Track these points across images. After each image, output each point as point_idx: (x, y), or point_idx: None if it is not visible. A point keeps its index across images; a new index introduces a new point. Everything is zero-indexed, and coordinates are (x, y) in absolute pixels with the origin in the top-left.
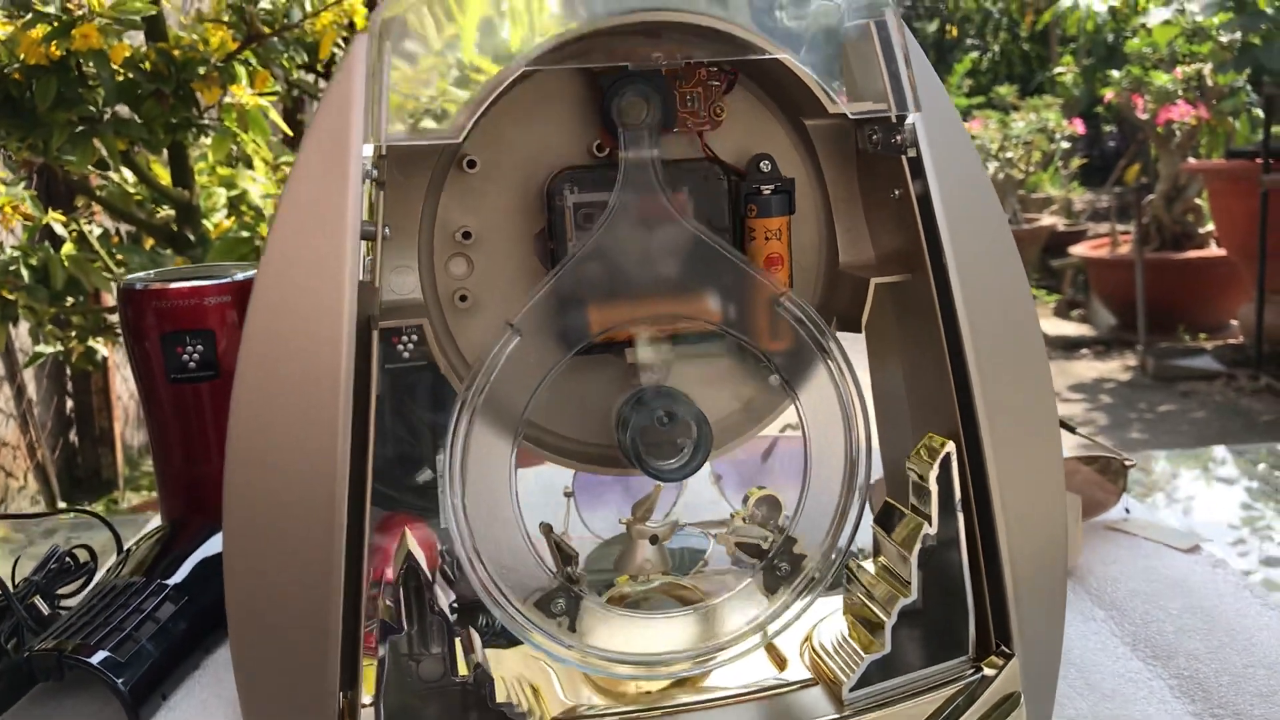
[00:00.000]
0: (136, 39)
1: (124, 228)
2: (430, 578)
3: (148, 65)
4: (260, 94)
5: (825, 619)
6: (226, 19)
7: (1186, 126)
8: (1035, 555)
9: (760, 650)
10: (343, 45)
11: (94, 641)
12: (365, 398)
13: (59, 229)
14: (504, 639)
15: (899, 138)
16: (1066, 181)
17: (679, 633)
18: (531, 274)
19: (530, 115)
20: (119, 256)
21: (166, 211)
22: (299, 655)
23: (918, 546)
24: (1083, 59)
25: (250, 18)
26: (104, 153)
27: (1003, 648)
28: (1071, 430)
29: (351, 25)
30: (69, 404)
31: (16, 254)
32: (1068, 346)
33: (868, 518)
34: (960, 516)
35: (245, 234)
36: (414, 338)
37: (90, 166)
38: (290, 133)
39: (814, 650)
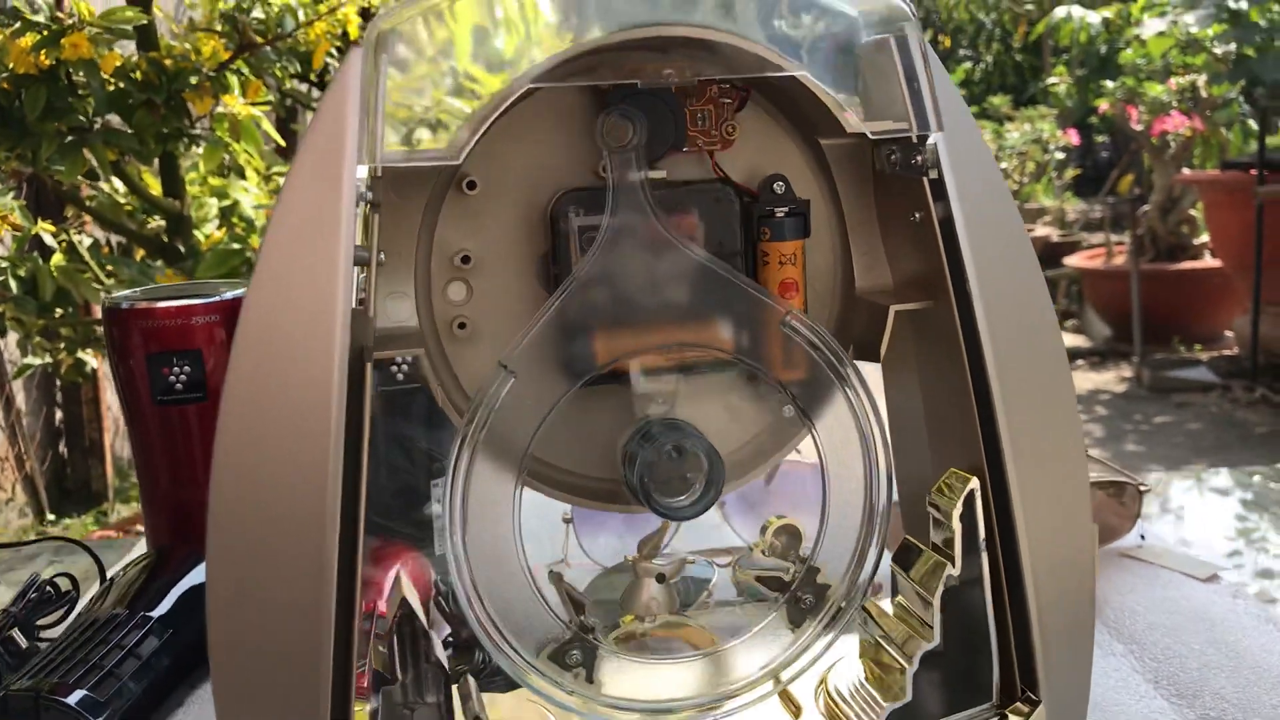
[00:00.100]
0: (128, 49)
1: (115, 239)
2: (426, 624)
3: (139, 75)
4: (253, 104)
5: (839, 661)
6: (219, 28)
7: (1181, 138)
8: (1062, 596)
9: (774, 697)
10: (336, 55)
11: (72, 680)
12: (357, 431)
13: (49, 239)
14: (501, 677)
15: (920, 158)
16: (1060, 192)
17: (691, 677)
18: (534, 300)
19: (533, 134)
20: (109, 268)
21: (157, 222)
22: (287, 695)
23: (940, 589)
24: (1076, 70)
25: (242, 27)
26: (94, 163)
27: (1028, 694)
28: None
29: (345, 35)
30: (58, 415)
31: (5, 265)
32: None
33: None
34: (984, 556)
35: (237, 246)
36: (407, 363)
37: (80, 177)
38: (283, 143)
39: (829, 696)
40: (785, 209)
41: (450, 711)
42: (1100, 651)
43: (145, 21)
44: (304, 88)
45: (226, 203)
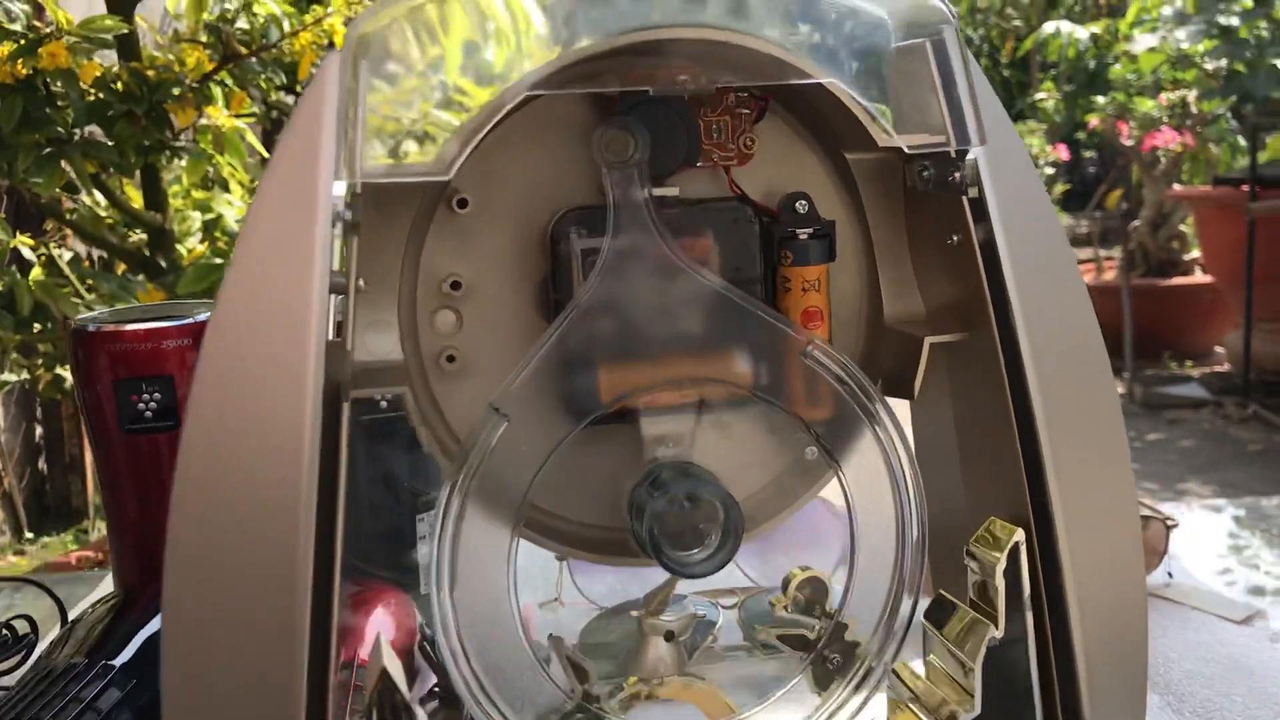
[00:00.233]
0: (111, 59)
1: (97, 253)
2: (407, 696)
3: (119, 85)
4: (237, 115)
5: None
6: (203, 39)
7: (1171, 153)
8: (1114, 657)
9: None
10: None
11: None
12: (333, 476)
13: (27, 253)
14: None
15: (958, 175)
16: None
17: None
18: (531, 330)
19: (531, 147)
20: (89, 282)
21: (139, 236)
22: None
23: (982, 653)
24: (1064, 85)
25: (226, 38)
26: (73, 175)
27: None
28: None
29: (331, 45)
30: (38, 431)
31: None
32: None
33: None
34: (1029, 614)
35: (219, 260)
36: (388, 400)
37: (59, 190)
38: (267, 155)
39: None
40: (809, 230)
41: None
42: None
43: (126, 31)
44: (289, 99)
45: (210, 216)
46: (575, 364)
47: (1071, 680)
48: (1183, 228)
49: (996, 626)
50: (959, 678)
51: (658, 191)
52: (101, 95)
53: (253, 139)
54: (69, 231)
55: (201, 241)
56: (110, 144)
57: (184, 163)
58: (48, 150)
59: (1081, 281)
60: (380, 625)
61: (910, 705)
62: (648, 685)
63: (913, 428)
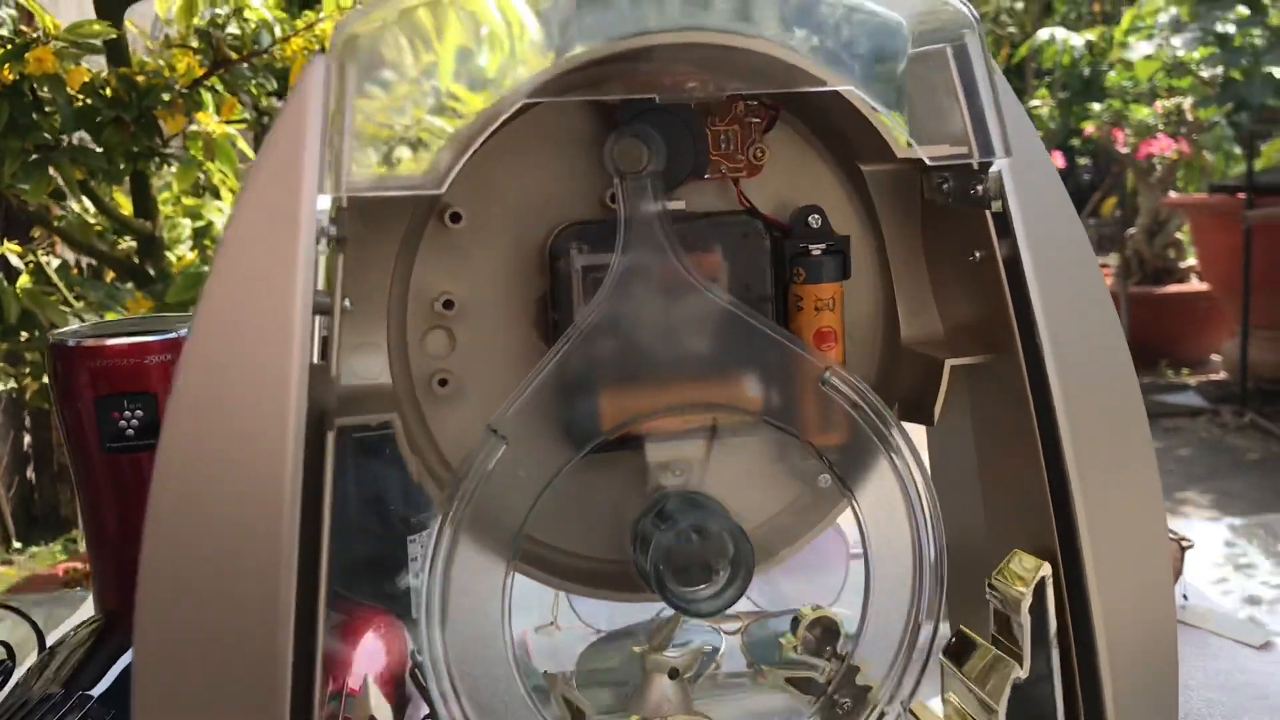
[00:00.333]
0: (101, 65)
1: (86, 260)
2: None
3: (108, 91)
4: (228, 122)
5: None
6: (194, 44)
7: (1167, 161)
8: (1145, 698)
9: None
10: None
11: None
12: (316, 508)
13: (15, 260)
14: None
15: (980, 188)
16: None
17: None
18: (528, 352)
19: (529, 158)
20: (77, 290)
21: (128, 243)
22: None
23: (1006, 693)
24: (1058, 93)
25: (217, 43)
26: (61, 182)
27: None
28: None
29: (323, 50)
30: (26, 439)
31: None
32: None
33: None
34: (1055, 651)
35: (209, 268)
36: (373, 430)
37: (47, 196)
38: None
39: None
40: (822, 246)
41: None
42: None
43: (114, 36)
44: (281, 105)
45: (200, 223)
46: (579, 387)
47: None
48: (1179, 235)
49: (1021, 665)
50: (980, 718)
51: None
52: (90, 101)
53: (244, 145)
54: (57, 238)
55: (192, 249)
56: (98, 150)
57: (174, 169)
58: (35, 157)
59: (1110, 301)
60: (369, 652)
61: None
62: None
63: (929, 453)
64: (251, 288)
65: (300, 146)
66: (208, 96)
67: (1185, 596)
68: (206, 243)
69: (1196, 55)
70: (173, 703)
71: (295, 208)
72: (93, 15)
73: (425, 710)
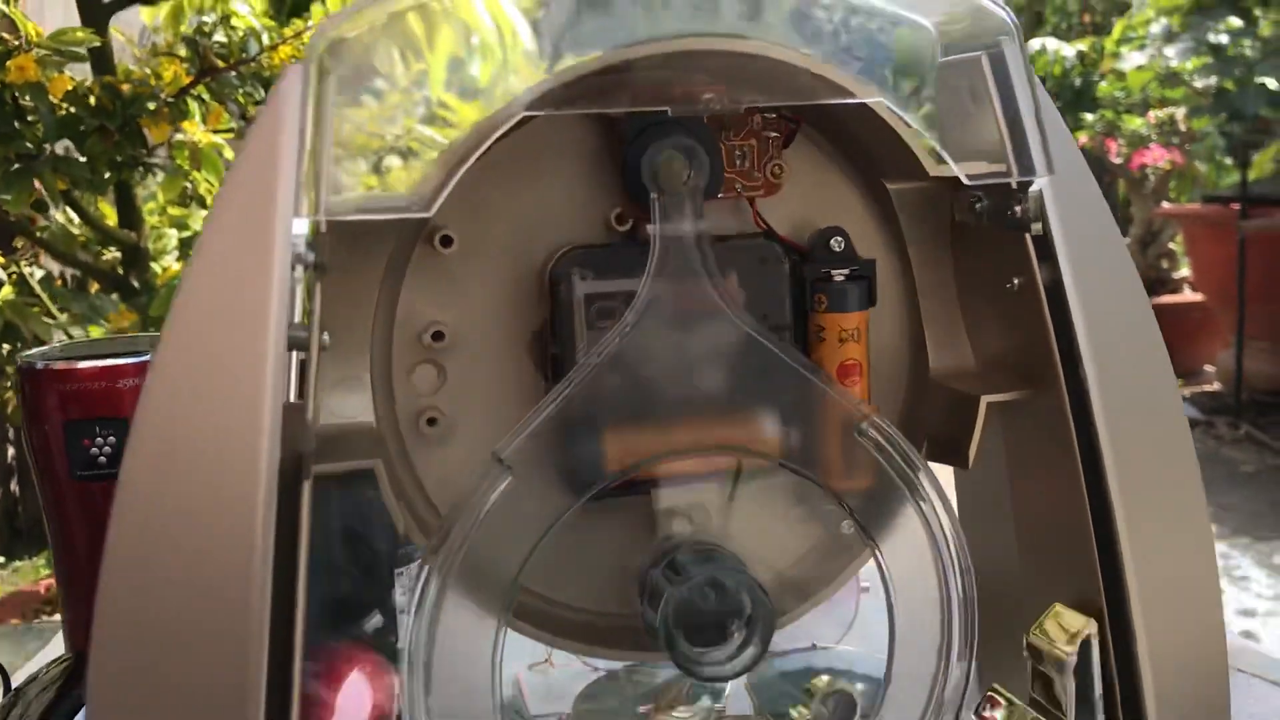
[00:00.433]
0: (87, 74)
1: (70, 271)
2: None
3: (92, 100)
4: (215, 131)
5: None
6: (181, 53)
7: (1159, 171)
8: None
9: None
10: None
11: None
12: (291, 557)
13: None
14: None
15: (1019, 208)
16: None
17: None
18: (524, 387)
19: (526, 175)
20: (60, 302)
21: (113, 254)
22: None
23: None
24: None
25: (204, 51)
26: (43, 192)
27: None
28: None
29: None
30: (9, 452)
31: None
32: None
33: None
34: (1100, 717)
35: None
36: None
37: (30, 207)
38: None
39: None
40: (846, 271)
41: None
42: None
43: (98, 43)
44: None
45: (186, 234)
46: (590, 422)
47: None
48: (1172, 245)
49: None
50: None
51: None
52: (73, 110)
53: (230, 155)
54: (41, 249)
55: (178, 260)
56: (81, 160)
57: (159, 179)
58: (17, 166)
59: (1158, 331)
60: (352, 696)
61: None
62: None
63: (956, 491)
64: (220, 321)
65: (275, 164)
66: (194, 105)
67: None
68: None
69: (1190, 65)
70: None
71: (269, 232)
72: (79, 23)
73: None
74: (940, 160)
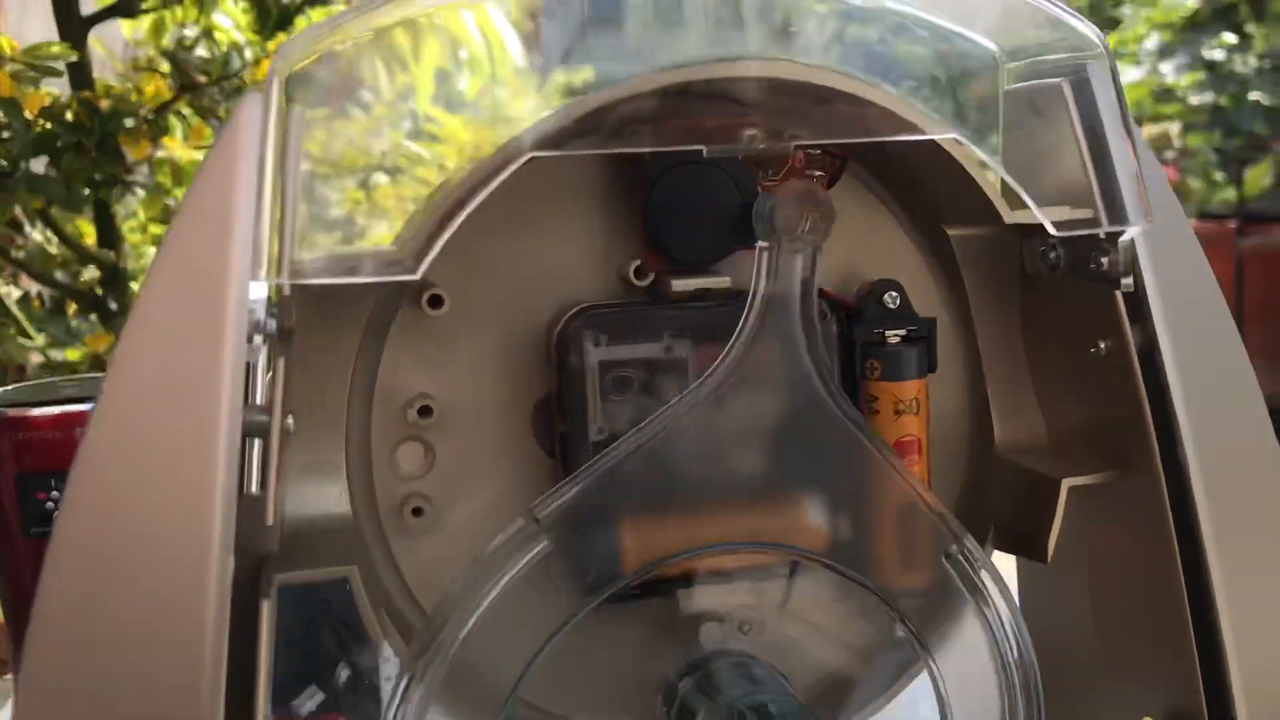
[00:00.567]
0: (65, 88)
1: (48, 292)
2: None
3: (69, 115)
4: (196, 147)
5: None
6: (163, 68)
7: None
8: None
9: None
10: None
11: None
12: (249, 678)
13: None
14: None
15: (1105, 260)
16: None
17: None
18: (526, 470)
19: (529, 222)
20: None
21: (92, 274)
22: None
23: None
24: None
25: (185, 66)
26: (18, 211)
27: None
28: None
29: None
30: None
31: None
32: None
33: None
34: None
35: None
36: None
37: (6, 226)
38: None
39: None
40: (902, 332)
41: None
42: None
43: (75, 58)
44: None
45: None
46: (611, 511)
47: None
48: None
49: None
50: None
51: (702, 281)
52: (49, 126)
53: None
54: (18, 270)
55: None
56: (57, 177)
57: (140, 196)
58: None
59: (1263, 405)
60: None
61: None
62: None
63: (1021, 589)
64: (160, 405)
65: (228, 214)
66: (175, 122)
67: None
68: None
69: (1184, 81)
70: None
71: (219, 298)
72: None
73: None
74: (1017, 204)
